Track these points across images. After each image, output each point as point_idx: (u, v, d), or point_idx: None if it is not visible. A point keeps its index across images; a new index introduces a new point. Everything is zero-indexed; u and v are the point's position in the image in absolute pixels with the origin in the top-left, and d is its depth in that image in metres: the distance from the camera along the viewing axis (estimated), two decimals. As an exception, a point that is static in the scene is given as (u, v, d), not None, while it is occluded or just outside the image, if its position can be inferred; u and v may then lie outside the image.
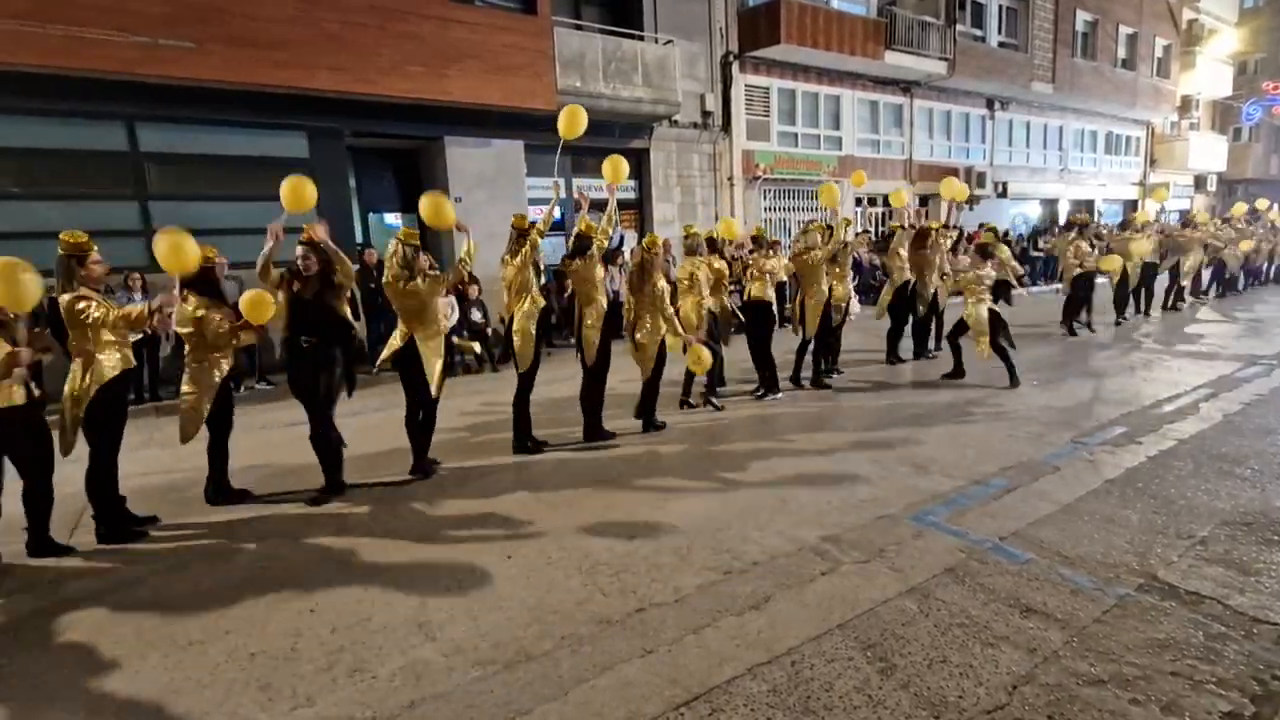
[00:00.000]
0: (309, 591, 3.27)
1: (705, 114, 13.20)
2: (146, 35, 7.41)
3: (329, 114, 8.97)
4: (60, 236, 3.80)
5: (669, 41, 12.01)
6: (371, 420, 6.50)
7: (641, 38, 11.82)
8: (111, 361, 3.84)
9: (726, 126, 13.56)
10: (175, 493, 4.77)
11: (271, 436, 6.30)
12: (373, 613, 3.04)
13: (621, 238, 12.34)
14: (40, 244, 6.98)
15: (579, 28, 11.25)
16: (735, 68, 13.55)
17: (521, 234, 5.12)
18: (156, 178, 8.42)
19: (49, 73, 7.17)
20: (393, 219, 11.25)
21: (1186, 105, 25.36)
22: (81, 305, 3.73)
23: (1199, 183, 26.96)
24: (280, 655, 2.75)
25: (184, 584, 3.43)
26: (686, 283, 6.24)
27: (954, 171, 18.16)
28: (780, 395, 6.77)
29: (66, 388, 3.81)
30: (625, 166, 5.48)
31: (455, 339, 8.54)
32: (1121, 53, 21.67)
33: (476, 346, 8.94)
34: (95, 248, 3.88)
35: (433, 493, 4.54)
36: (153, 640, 2.91)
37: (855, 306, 7.96)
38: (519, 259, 5.09)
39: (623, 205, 12.85)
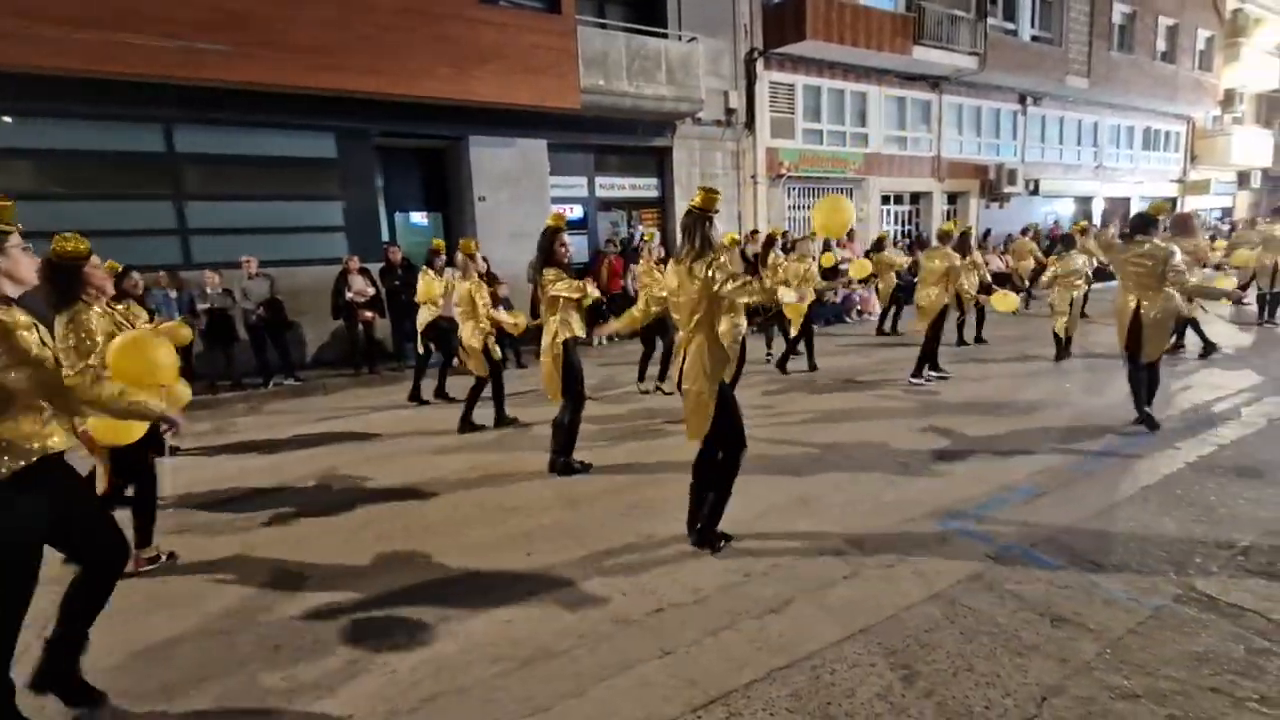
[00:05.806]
0: (332, 586, 3.31)
1: (729, 111, 13.10)
2: (184, 40, 7.57)
3: (357, 115, 9.09)
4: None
5: (693, 39, 11.94)
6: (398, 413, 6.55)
7: (665, 35, 11.77)
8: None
9: (750, 124, 13.44)
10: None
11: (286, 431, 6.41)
12: (394, 608, 3.07)
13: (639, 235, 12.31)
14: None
15: (603, 26, 11.24)
16: (759, 64, 13.42)
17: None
18: (191, 179, 8.62)
19: (91, 77, 7.37)
20: (418, 218, 11.37)
21: (1230, 99, 24.51)
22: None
23: (1242, 179, 26.06)
24: (304, 647, 2.79)
25: (210, 579, 3.49)
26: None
27: (984, 169, 17.84)
28: None
29: None
30: None
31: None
32: (1161, 45, 21.00)
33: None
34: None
35: (454, 491, 4.57)
36: (184, 627, 2.97)
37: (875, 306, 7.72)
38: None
39: (646, 203, 12.84)
